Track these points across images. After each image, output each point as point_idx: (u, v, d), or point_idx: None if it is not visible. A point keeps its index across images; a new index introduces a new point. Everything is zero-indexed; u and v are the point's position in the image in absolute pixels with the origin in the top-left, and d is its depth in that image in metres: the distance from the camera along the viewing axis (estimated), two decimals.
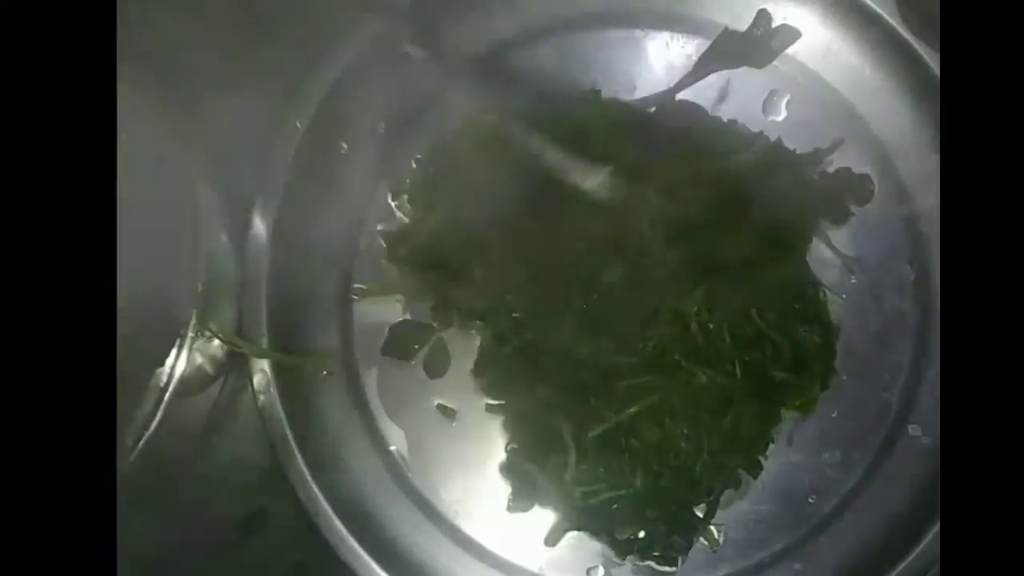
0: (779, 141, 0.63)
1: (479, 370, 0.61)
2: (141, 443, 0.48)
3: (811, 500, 0.61)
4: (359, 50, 0.61)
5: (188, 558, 0.62)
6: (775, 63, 0.64)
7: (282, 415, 0.59)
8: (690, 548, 0.60)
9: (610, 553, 0.60)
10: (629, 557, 0.60)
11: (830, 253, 0.63)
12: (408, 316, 0.62)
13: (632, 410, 0.57)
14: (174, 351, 0.49)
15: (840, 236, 0.63)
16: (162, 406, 0.48)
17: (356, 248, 0.63)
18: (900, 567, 0.58)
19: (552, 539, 0.61)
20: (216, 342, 0.57)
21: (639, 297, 0.58)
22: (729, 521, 0.61)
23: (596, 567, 0.61)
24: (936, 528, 0.58)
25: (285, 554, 0.62)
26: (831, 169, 0.63)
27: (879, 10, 0.61)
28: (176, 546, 0.62)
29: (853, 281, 0.63)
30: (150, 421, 0.48)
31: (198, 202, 0.50)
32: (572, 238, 0.59)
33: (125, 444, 0.48)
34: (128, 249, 0.49)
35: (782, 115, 0.64)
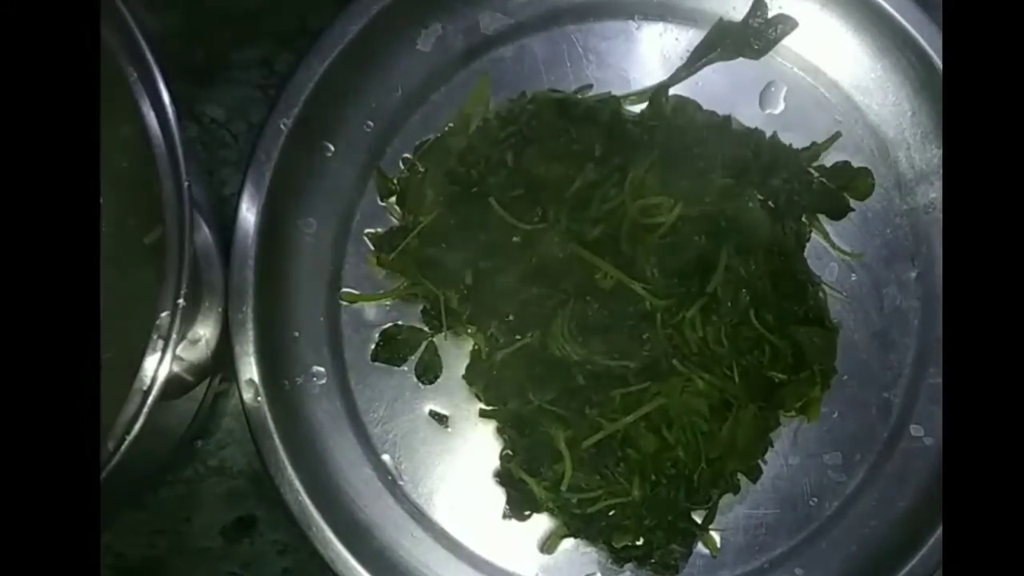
0: (776, 135, 0.62)
1: (471, 376, 0.61)
2: (124, 447, 0.47)
3: (812, 502, 0.61)
4: (344, 47, 0.59)
5: (174, 564, 0.62)
6: (772, 54, 0.63)
7: (270, 421, 0.58)
8: (689, 555, 0.60)
9: (607, 560, 0.60)
10: (627, 565, 0.59)
11: (830, 250, 0.62)
12: (399, 321, 0.62)
13: (628, 419, 0.56)
14: (158, 354, 0.48)
15: (840, 232, 0.62)
16: (145, 410, 0.47)
17: (344, 251, 0.62)
18: (903, 570, 0.57)
19: (548, 546, 0.60)
20: (200, 344, 0.56)
21: (635, 301, 0.57)
22: (729, 526, 0.60)
23: (594, 574, 0.60)
24: (939, 530, 0.57)
25: (273, 561, 0.62)
26: (830, 163, 0.63)
27: None
28: (161, 552, 0.62)
29: (853, 278, 0.62)
30: (133, 425, 0.47)
31: (183, 204, 0.49)
32: (565, 240, 0.58)
33: (107, 448, 0.47)
34: (113, 250, 0.49)
35: (780, 107, 0.63)
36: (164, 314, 0.48)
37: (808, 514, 0.60)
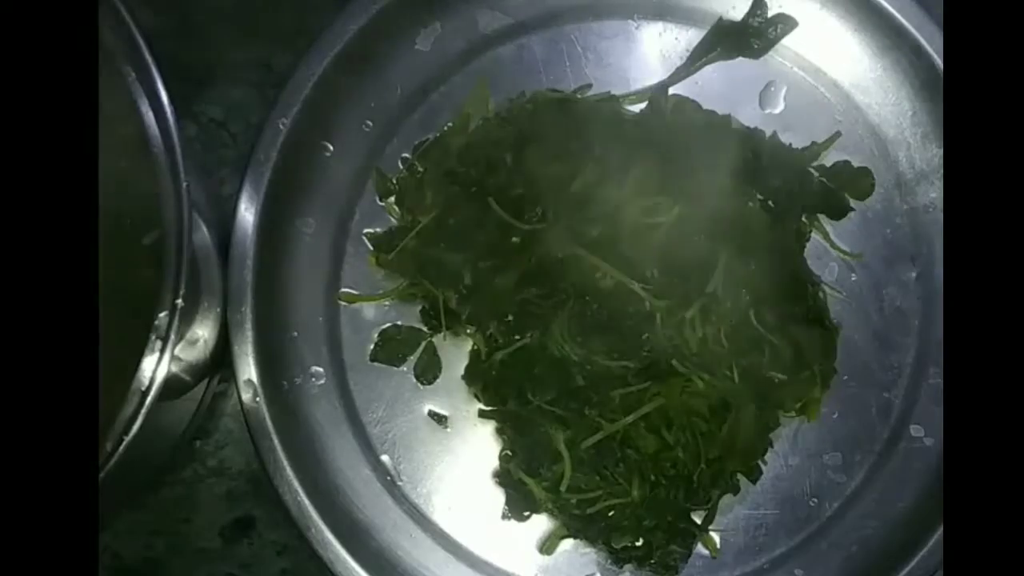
0: (776, 135, 0.62)
1: (471, 376, 0.60)
2: (122, 447, 0.47)
3: (812, 503, 0.60)
4: (343, 47, 0.59)
5: (172, 564, 0.62)
6: (772, 54, 0.63)
7: (269, 421, 0.58)
8: (689, 556, 0.60)
9: (607, 561, 0.60)
10: (627, 565, 0.59)
11: (829, 250, 0.62)
12: (398, 321, 0.61)
13: (628, 419, 0.56)
14: (156, 355, 0.48)
15: (840, 232, 0.62)
16: (143, 410, 0.47)
17: (343, 251, 0.62)
18: (903, 570, 0.57)
19: (547, 547, 0.60)
20: (199, 345, 0.56)
21: (635, 301, 0.57)
22: (728, 526, 0.60)
23: (593, 575, 0.60)
24: (939, 530, 0.57)
25: (272, 562, 0.62)
26: (830, 163, 0.63)
27: None
28: (160, 552, 0.62)
29: (853, 278, 0.62)
30: (131, 425, 0.47)
31: (182, 204, 0.49)
32: (565, 240, 0.58)
33: (105, 448, 0.46)
34: (110, 250, 0.49)
35: (780, 107, 0.63)
36: (162, 315, 0.48)
37: (808, 514, 0.60)
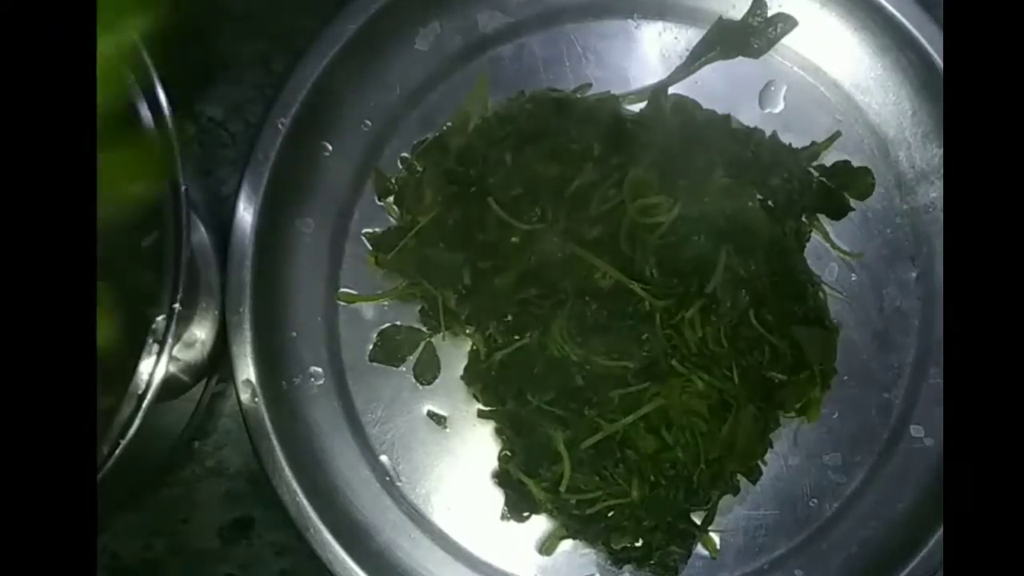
0: (775, 135, 0.62)
1: (470, 376, 0.60)
2: (120, 448, 0.47)
3: (811, 503, 0.60)
4: (342, 46, 0.59)
5: (171, 565, 0.62)
6: (772, 53, 0.63)
7: (267, 422, 0.57)
8: (688, 557, 0.60)
9: (606, 562, 0.60)
10: (626, 566, 0.59)
11: (830, 250, 0.62)
12: (397, 321, 0.61)
13: (627, 419, 0.56)
14: (153, 358, 0.47)
15: (840, 232, 0.62)
16: (141, 411, 0.47)
17: (342, 251, 0.62)
18: (903, 571, 0.57)
19: (547, 548, 0.60)
20: (197, 345, 0.56)
21: (634, 301, 0.57)
22: (728, 527, 0.60)
23: None
24: (939, 531, 0.57)
25: (271, 563, 0.62)
26: (830, 162, 0.62)
27: None
28: (158, 553, 0.62)
29: (853, 278, 0.62)
30: (129, 426, 0.47)
31: (180, 207, 0.49)
32: (564, 239, 0.58)
33: (103, 449, 0.46)
34: (109, 251, 0.49)
35: (780, 107, 0.63)
36: (160, 318, 0.48)
37: (808, 515, 0.60)
